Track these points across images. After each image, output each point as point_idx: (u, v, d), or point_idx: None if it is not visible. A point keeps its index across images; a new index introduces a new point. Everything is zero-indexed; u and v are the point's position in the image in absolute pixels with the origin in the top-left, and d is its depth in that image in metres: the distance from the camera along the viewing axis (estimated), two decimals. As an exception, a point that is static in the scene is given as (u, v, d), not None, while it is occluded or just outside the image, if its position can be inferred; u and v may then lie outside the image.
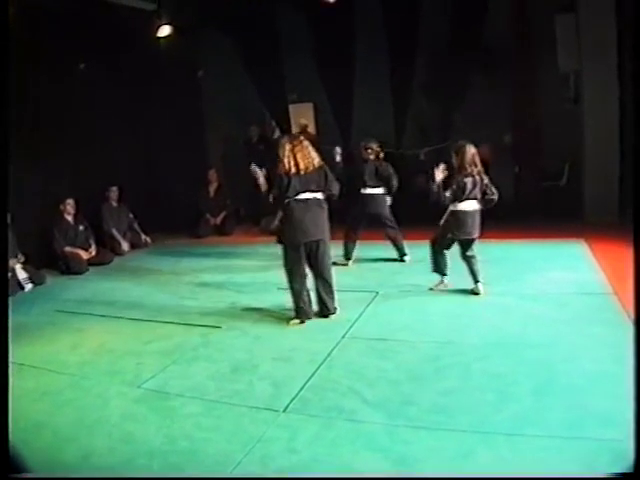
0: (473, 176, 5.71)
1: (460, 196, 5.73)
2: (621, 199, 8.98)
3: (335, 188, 5.56)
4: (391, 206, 7.63)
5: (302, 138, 5.55)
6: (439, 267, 6.10)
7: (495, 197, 5.79)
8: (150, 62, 10.36)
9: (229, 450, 3.31)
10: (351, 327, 5.20)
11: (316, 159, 5.47)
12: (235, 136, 11.60)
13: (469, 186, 5.71)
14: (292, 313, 5.52)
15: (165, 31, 9.88)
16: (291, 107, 11.73)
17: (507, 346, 4.52)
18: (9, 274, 7.25)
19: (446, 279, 6.12)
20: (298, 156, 5.36)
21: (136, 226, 9.95)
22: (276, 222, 10.42)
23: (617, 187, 9.03)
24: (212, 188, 10.80)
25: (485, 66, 9.91)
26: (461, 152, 5.74)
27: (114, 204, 9.69)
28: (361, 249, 7.85)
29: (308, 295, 5.55)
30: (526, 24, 10.12)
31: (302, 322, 5.45)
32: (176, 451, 3.34)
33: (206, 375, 4.43)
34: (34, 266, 7.85)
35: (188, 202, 10.80)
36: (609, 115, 8.99)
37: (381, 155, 7.61)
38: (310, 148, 5.49)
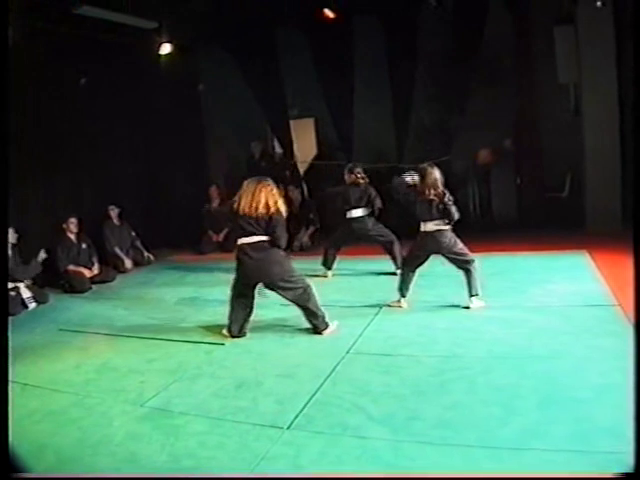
0: (432, 199, 5.82)
1: (423, 217, 5.88)
2: (624, 209, 8.98)
3: (282, 239, 5.44)
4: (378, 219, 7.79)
5: (268, 183, 5.43)
6: (401, 287, 6.13)
7: (453, 217, 5.82)
8: (151, 79, 10.42)
9: (234, 468, 3.28)
10: (355, 342, 5.18)
11: (265, 206, 5.34)
12: (238, 153, 11.65)
13: (429, 208, 5.85)
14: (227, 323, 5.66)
15: (166, 49, 9.97)
16: (292, 122, 11.78)
17: (512, 359, 4.50)
18: (13, 293, 7.27)
19: (403, 300, 6.13)
20: (249, 198, 5.36)
21: (138, 244, 9.95)
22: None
23: (619, 197, 9.04)
24: (214, 205, 10.82)
25: (485, 78, 9.94)
26: (423, 175, 5.88)
27: (116, 222, 9.70)
28: (364, 263, 7.86)
29: (244, 321, 5.61)
30: (526, 35, 10.18)
31: (232, 337, 5.58)
32: (180, 470, 3.31)
33: (210, 392, 4.40)
34: (37, 285, 7.84)
35: (190, 219, 10.81)
36: (609, 126, 9.01)
37: (366, 180, 7.76)
38: (265, 193, 5.36)
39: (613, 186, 9.05)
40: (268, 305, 6.04)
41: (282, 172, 11.64)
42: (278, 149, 12.04)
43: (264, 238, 5.41)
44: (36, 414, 4.21)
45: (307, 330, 5.57)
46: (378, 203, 7.63)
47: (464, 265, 5.90)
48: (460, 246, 5.95)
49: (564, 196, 9.98)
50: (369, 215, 7.70)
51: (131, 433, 3.83)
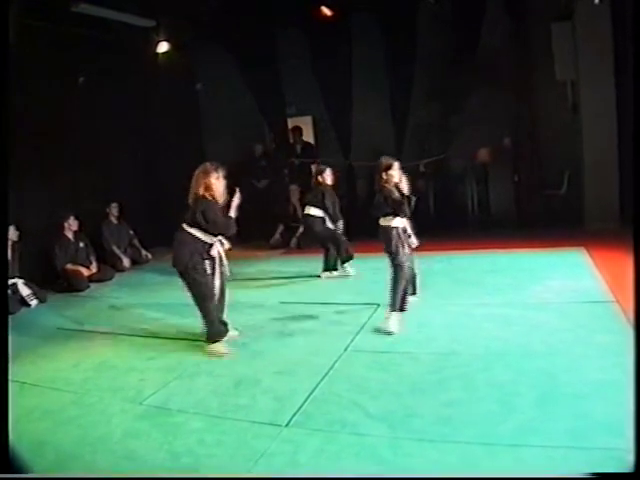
0: (380, 192, 5.50)
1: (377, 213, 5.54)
2: (622, 206, 8.99)
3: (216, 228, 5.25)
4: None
5: (205, 168, 5.19)
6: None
7: (406, 213, 5.45)
8: (149, 77, 10.42)
9: (233, 466, 3.28)
10: (353, 340, 5.18)
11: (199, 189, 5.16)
12: (236, 151, 11.65)
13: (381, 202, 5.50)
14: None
15: (164, 47, 9.96)
16: (290, 120, 11.77)
17: (510, 356, 4.50)
18: (10, 291, 7.25)
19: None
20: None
21: (136, 242, 9.95)
22: (277, 236, 10.52)
23: (617, 194, 9.04)
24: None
25: (483, 76, 9.94)
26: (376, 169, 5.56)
27: (114, 221, 9.70)
28: (360, 262, 7.85)
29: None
30: (524, 34, 10.17)
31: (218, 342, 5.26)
32: (179, 468, 3.31)
33: (209, 390, 4.41)
34: (35, 282, 7.83)
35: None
36: (608, 123, 9.01)
37: (328, 183, 7.78)
38: (202, 178, 5.17)
39: (611, 183, 9.06)
40: (266, 303, 6.04)
41: (281, 171, 11.66)
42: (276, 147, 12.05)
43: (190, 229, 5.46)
44: (35, 412, 4.22)
45: (305, 328, 5.58)
46: (336, 210, 7.69)
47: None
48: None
49: (562, 193, 9.97)
50: (322, 218, 7.67)
51: (130, 431, 3.83)
